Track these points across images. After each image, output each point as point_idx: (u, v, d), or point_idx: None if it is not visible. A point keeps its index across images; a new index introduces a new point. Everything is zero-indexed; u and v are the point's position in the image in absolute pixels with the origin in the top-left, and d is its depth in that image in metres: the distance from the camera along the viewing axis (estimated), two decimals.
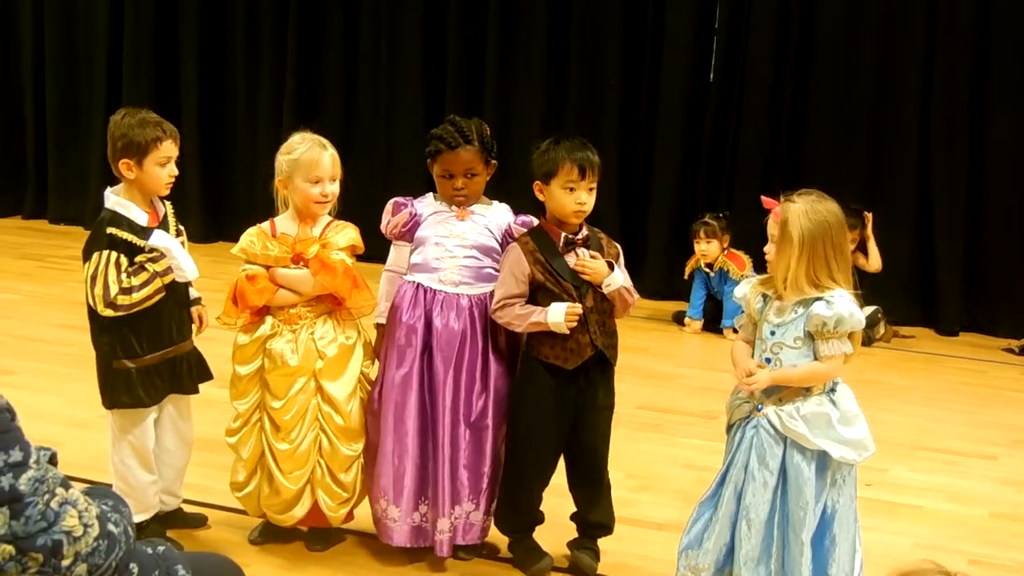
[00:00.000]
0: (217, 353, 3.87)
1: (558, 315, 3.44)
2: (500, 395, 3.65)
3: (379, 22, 8.49)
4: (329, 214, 3.72)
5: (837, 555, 3.14)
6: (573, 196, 3.48)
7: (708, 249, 6.95)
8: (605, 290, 3.51)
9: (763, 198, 3.21)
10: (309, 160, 3.60)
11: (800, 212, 3.06)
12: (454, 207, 3.66)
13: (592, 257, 3.52)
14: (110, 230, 3.50)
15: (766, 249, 3.18)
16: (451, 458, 3.60)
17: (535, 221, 3.69)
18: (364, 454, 3.71)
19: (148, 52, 8.97)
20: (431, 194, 3.73)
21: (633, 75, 7.98)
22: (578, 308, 3.45)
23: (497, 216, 3.71)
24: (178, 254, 3.52)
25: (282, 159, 3.64)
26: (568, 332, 3.46)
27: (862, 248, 6.82)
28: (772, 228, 3.14)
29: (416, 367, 3.59)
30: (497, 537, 3.80)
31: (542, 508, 3.75)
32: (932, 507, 4.47)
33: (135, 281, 3.47)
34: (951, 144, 7.30)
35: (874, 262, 6.81)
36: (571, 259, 3.52)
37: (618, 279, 3.52)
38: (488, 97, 8.18)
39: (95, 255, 3.49)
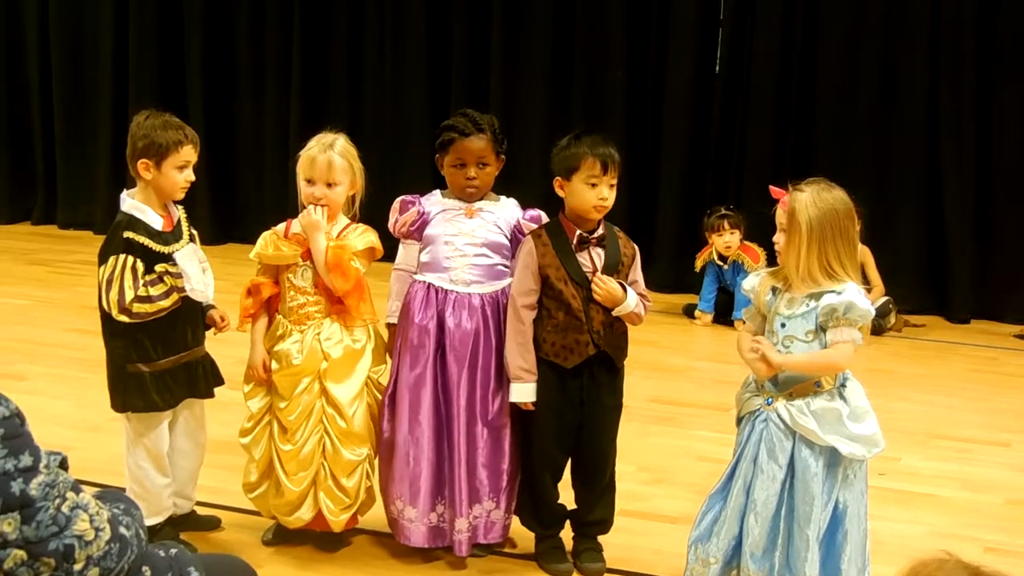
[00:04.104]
0: (227, 355, 3.88)
1: (522, 395, 3.52)
2: None
3: (384, 19, 8.48)
4: (351, 219, 3.70)
5: (849, 550, 3.14)
6: (595, 191, 3.46)
7: (732, 240, 6.91)
8: (615, 312, 3.50)
9: (771, 188, 3.21)
10: (307, 158, 3.61)
11: (808, 201, 3.05)
12: (462, 205, 3.64)
13: (606, 276, 3.49)
14: (127, 234, 3.49)
15: (775, 238, 3.18)
16: (468, 458, 3.59)
17: (544, 216, 3.68)
18: (379, 455, 3.71)
19: (153, 55, 8.97)
20: (438, 192, 3.72)
21: (638, 67, 7.96)
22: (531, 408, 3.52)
23: (506, 212, 3.69)
24: (196, 280, 3.50)
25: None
26: (529, 407, 3.53)
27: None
28: (781, 217, 3.14)
29: (430, 368, 3.59)
30: (515, 532, 3.80)
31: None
32: (946, 495, 4.46)
33: (153, 291, 3.45)
34: (959, 132, 7.28)
35: (875, 292, 6.69)
36: (583, 257, 3.50)
37: (630, 304, 3.50)
38: (493, 91, 8.16)
39: (111, 259, 3.47)
